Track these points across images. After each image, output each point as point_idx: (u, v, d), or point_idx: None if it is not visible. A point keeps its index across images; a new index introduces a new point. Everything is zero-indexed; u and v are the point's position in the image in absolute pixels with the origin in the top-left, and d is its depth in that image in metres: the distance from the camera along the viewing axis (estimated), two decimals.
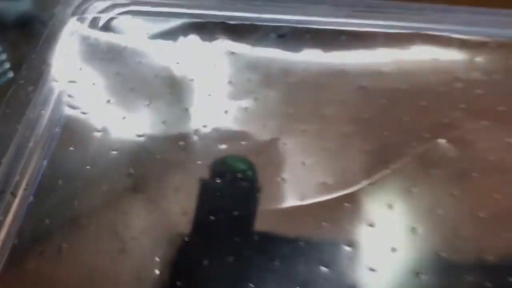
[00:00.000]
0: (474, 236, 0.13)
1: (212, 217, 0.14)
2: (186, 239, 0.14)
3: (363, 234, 0.13)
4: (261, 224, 0.14)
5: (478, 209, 0.13)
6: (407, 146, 0.14)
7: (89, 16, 0.16)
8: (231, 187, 0.14)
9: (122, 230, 0.14)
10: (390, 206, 0.13)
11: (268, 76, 0.15)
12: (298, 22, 0.15)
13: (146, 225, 0.14)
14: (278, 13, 0.16)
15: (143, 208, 0.14)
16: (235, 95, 0.15)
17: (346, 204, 0.13)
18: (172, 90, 0.15)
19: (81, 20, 0.16)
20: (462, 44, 0.14)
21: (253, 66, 0.15)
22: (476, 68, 0.14)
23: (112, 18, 0.16)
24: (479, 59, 0.14)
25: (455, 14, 0.15)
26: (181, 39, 0.15)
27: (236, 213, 0.14)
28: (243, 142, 0.14)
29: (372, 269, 0.12)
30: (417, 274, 0.12)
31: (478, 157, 0.13)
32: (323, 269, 0.12)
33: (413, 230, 0.13)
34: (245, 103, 0.15)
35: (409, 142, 0.14)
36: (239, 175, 0.14)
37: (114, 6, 0.16)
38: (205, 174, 0.14)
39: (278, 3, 0.16)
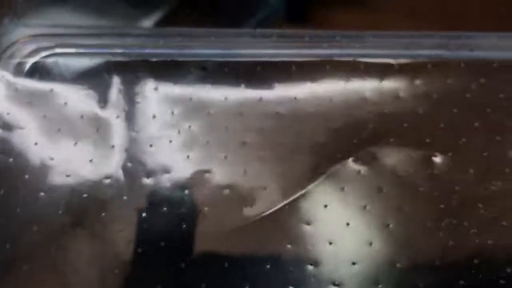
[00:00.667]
0: (385, 246, 0.14)
1: (147, 247, 0.15)
2: (131, 268, 0.14)
3: (285, 251, 0.14)
4: (201, 247, 0.14)
5: (390, 222, 0.14)
6: (320, 167, 0.15)
7: (14, 61, 0.16)
8: (167, 216, 0.15)
9: (63, 266, 0.15)
10: (308, 223, 0.14)
11: (191, 109, 0.16)
12: (218, 55, 0.16)
13: (89, 258, 0.15)
14: (199, 48, 0.16)
15: (84, 242, 0.15)
16: (160, 129, 0.16)
17: (268, 224, 0.14)
18: (98, 129, 0.16)
19: (6, 65, 0.16)
20: (370, 67, 0.15)
21: (176, 100, 0.16)
22: (383, 89, 0.15)
23: (37, 62, 0.16)
24: (386, 81, 0.15)
25: (362, 39, 0.16)
26: (106, 78, 0.16)
27: (175, 240, 0.14)
28: (168, 175, 0.15)
29: None
30: None
31: (387, 173, 0.14)
32: None
33: (331, 243, 0.14)
34: (169, 136, 0.16)
35: (322, 163, 0.15)
36: (173, 205, 0.15)
37: (39, 49, 0.16)
38: (139, 206, 0.15)
39: (198, 38, 0.17)
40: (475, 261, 0.13)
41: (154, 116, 0.15)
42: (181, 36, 0.16)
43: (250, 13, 0.30)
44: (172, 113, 0.16)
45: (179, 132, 0.15)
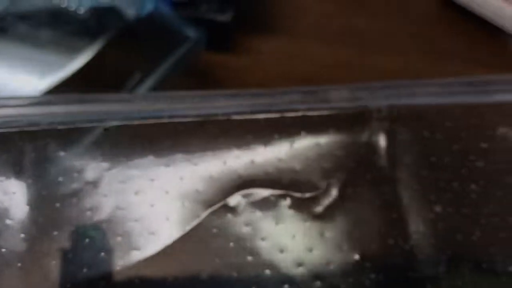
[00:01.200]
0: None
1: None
2: None
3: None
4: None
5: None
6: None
7: None
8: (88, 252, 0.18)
9: None
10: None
11: (93, 169, 0.19)
12: (122, 118, 0.19)
13: None
14: (102, 111, 0.19)
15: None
16: (67, 189, 0.19)
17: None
18: (15, 192, 0.18)
19: None
20: (240, 124, 0.19)
21: (82, 164, 0.19)
22: (249, 143, 0.19)
23: None
24: (249, 135, 0.18)
25: (238, 98, 0.19)
26: (18, 145, 0.19)
27: (98, 272, 0.17)
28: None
29: None
30: None
31: (255, 211, 0.18)
32: None
33: None
34: (76, 196, 0.19)
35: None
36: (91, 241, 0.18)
37: None
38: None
39: (101, 102, 0.19)
40: None
41: (62, 180, 0.18)
42: (83, 101, 0.19)
43: (170, 49, 0.33)
44: (79, 174, 0.19)
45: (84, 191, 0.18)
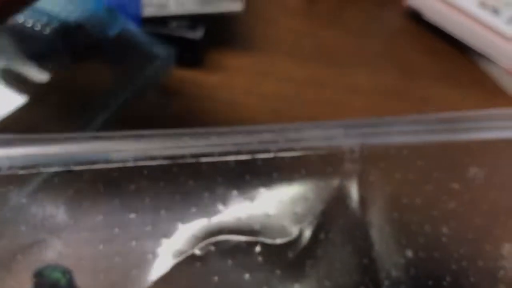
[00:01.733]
0: None
1: None
2: None
3: None
4: None
5: None
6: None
7: None
8: None
9: None
10: None
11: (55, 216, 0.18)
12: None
13: None
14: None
15: None
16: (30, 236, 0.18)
17: None
18: None
19: None
20: (210, 167, 0.18)
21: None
22: (219, 187, 0.18)
23: None
24: (220, 178, 0.18)
25: (206, 138, 0.19)
26: None
27: None
28: None
29: None
30: None
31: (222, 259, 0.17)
32: None
33: None
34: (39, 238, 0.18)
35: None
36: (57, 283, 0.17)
37: None
38: None
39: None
40: None
41: (24, 225, 0.17)
42: (43, 142, 0.18)
43: (139, 68, 0.33)
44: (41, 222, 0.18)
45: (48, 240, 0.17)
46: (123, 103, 0.30)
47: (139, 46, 0.34)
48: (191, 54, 0.39)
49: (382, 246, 0.16)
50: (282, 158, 0.17)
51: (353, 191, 0.17)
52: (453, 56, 0.43)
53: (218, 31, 0.40)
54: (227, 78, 0.39)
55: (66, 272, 0.17)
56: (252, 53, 0.41)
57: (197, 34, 0.38)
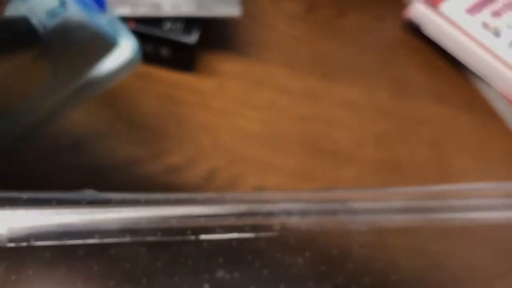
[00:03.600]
0: None
1: None
2: None
3: None
4: None
5: None
6: None
7: None
8: None
9: None
10: None
11: None
12: None
13: None
14: None
15: None
16: None
17: None
18: None
19: None
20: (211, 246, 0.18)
21: None
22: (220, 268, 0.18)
23: None
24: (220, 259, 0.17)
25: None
26: None
27: None
28: None
29: None
30: None
31: None
32: None
33: None
34: None
35: None
36: None
37: None
38: None
39: None
40: None
41: None
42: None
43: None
44: None
45: None
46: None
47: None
48: (184, 58, 0.37)
49: None
50: (287, 237, 0.17)
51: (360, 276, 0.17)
52: (449, 73, 0.42)
53: (214, 36, 0.39)
54: (220, 85, 0.38)
55: None
56: (248, 59, 0.39)
57: (192, 38, 0.36)
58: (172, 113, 0.37)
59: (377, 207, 0.17)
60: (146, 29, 0.35)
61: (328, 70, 0.40)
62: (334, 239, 0.17)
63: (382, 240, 0.17)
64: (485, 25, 0.39)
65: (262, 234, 0.17)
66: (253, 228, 0.17)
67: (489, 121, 0.41)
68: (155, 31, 0.35)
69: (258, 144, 0.36)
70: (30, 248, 0.16)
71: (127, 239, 0.16)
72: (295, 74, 0.39)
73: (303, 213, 0.17)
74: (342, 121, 0.38)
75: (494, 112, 0.40)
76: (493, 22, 0.40)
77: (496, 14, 0.41)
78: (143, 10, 0.35)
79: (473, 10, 0.41)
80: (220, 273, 0.16)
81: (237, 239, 0.17)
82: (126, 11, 0.35)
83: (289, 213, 0.17)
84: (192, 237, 0.16)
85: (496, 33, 0.39)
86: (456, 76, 0.42)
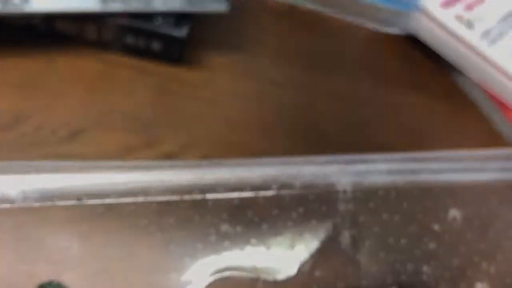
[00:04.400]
0: None
1: None
2: None
3: None
4: None
5: None
6: None
7: None
8: None
9: None
10: None
11: None
12: None
13: None
14: None
15: None
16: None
17: None
18: None
19: None
20: (215, 204, 0.19)
21: None
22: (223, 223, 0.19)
23: None
24: (224, 214, 0.19)
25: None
26: None
27: None
28: None
29: None
30: None
31: None
32: None
33: None
34: None
35: None
36: None
37: None
38: None
39: None
40: None
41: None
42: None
43: None
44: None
45: None
46: None
47: None
48: (175, 51, 0.39)
49: (370, 283, 0.18)
50: (283, 196, 0.18)
51: (345, 230, 0.19)
52: (426, 64, 0.45)
53: (204, 29, 0.41)
54: (211, 77, 0.40)
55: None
56: (236, 53, 0.41)
57: (182, 31, 0.38)
58: (164, 103, 0.38)
59: (362, 169, 0.19)
60: (138, 24, 0.37)
61: (312, 62, 0.42)
62: (323, 197, 0.19)
63: (366, 198, 0.19)
64: (459, 18, 0.42)
65: (261, 193, 0.19)
66: (253, 188, 0.19)
67: (465, 109, 0.43)
68: (147, 26, 0.37)
69: (247, 133, 0.38)
70: (45, 208, 0.17)
71: (141, 199, 0.18)
72: (281, 66, 0.41)
73: (298, 175, 0.19)
74: (326, 110, 0.41)
75: (469, 100, 0.43)
76: (466, 15, 0.42)
77: (469, 7, 0.43)
78: (135, 5, 0.37)
79: (448, 4, 0.43)
80: (224, 227, 0.18)
81: (238, 198, 0.18)
82: (118, 6, 0.37)
83: (284, 174, 0.19)
84: (199, 196, 0.18)
85: (469, 25, 0.42)
86: (432, 66, 0.44)
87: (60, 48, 0.36)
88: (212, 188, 0.18)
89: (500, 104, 0.42)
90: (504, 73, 0.40)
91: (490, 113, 0.41)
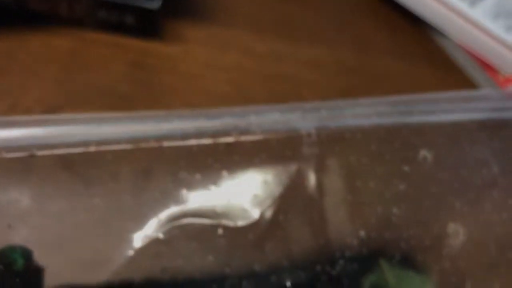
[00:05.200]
0: None
1: None
2: None
3: None
4: None
5: None
6: None
7: None
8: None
9: None
10: None
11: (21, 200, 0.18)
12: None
13: None
14: None
15: None
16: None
17: None
18: None
19: None
20: (173, 151, 0.19)
21: None
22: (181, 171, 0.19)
23: None
24: (182, 162, 0.18)
25: (169, 121, 0.19)
26: None
27: None
28: None
29: None
30: None
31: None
32: None
33: None
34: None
35: None
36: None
37: None
38: None
39: None
40: None
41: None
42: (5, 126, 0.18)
43: None
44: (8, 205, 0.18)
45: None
46: None
47: None
48: (149, 25, 0.38)
49: (337, 227, 0.17)
50: (243, 142, 0.18)
51: (310, 174, 0.18)
52: (408, 30, 0.44)
53: (178, 1, 0.40)
54: (187, 50, 0.39)
55: (26, 252, 0.17)
56: (213, 24, 0.41)
57: (155, 3, 0.37)
58: (141, 78, 0.38)
59: (327, 114, 0.19)
60: None
61: (292, 32, 0.41)
62: (286, 141, 0.18)
63: (332, 142, 0.18)
64: None
65: (221, 140, 0.18)
66: (212, 136, 0.18)
67: (449, 73, 0.43)
68: None
69: (227, 104, 0.37)
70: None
71: (93, 148, 0.17)
72: (260, 37, 0.40)
73: (260, 121, 0.18)
74: (308, 80, 0.40)
75: (453, 64, 0.42)
76: None
77: None
78: None
79: None
80: (182, 174, 0.17)
81: (197, 145, 0.18)
82: None
83: (245, 121, 0.18)
84: (155, 144, 0.17)
85: None
86: (415, 32, 0.44)
87: (33, 27, 0.35)
88: (169, 137, 0.17)
89: (484, 65, 0.41)
90: (487, 33, 0.40)
91: (474, 75, 0.41)
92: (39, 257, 0.16)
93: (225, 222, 0.17)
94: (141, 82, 0.38)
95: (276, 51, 0.41)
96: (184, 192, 0.17)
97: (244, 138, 0.17)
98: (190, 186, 0.17)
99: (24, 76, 0.33)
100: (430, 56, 0.43)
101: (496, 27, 0.40)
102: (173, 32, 0.40)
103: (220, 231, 0.17)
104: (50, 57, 0.35)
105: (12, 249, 0.17)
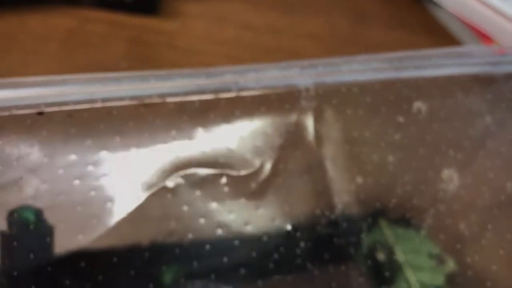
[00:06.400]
0: None
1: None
2: None
3: None
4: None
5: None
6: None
7: None
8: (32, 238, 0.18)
9: None
10: None
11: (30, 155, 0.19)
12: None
13: None
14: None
15: None
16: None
17: None
18: None
19: None
20: (176, 106, 0.19)
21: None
22: (185, 124, 0.19)
23: None
24: (185, 117, 0.19)
25: (171, 79, 0.20)
26: None
27: (44, 258, 0.17)
28: None
29: None
30: None
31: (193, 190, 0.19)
32: None
33: None
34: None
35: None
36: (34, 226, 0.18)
37: None
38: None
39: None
40: None
41: (1, 169, 0.18)
42: (14, 86, 0.19)
43: None
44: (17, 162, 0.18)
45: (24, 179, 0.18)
46: None
47: None
48: (146, 1, 0.39)
49: (335, 174, 0.18)
50: (244, 97, 0.18)
51: (309, 126, 0.19)
52: (404, 1, 0.44)
53: None
54: (185, 25, 0.40)
55: (37, 212, 0.17)
56: (211, 1, 0.41)
57: None
58: (140, 55, 0.38)
59: (324, 70, 0.19)
60: None
61: (289, 5, 0.42)
62: (285, 96, 0.19)
63: (329, 95, 0.19)
64: None
65: (222, 95, 0.19)
66: (213, 91, 0.19)
67: (444, 42, 0.43)
68: None
69: None
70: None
71: (98, 105, 0.18)
72: (257, 10, 0.41)
73: (259, 78, 0.19)
74: (305, 51, 0.40)
75: (448, 33, 0.42)
76: None
77: None
78: None
79: None
80: (186, 127, 0.18)
81: (199, 100, 0.18)
82: None
83: (245, 78, 0.19)
84: (159, 100, 0.18)
85: None
86: (411, 2, 0.44)
87: (31, 7, 0.36)
88: (172, 93, 0.18)
89: (480, 34, 0.42)
90: (482, 2, 0.40)
91: (469, 45, 0.41)
92: (49, 210, 0.17)
93: (228, 171, 0.18)
94: (141, 59, 0.39)
95: (273, 24, 0.42)
96: (188, 143, 0.18)
97: (244, 93, 0.18)
98: (194, 138, 0.18)
99: (24, 55, 0.33)
100: (426, 26, 0.44)
101: None
102: (170, 8, 0.40)
103: (223, 180, 0.18)
104: (49, 36, 0.36)
105: (25, 209, 0.17)
